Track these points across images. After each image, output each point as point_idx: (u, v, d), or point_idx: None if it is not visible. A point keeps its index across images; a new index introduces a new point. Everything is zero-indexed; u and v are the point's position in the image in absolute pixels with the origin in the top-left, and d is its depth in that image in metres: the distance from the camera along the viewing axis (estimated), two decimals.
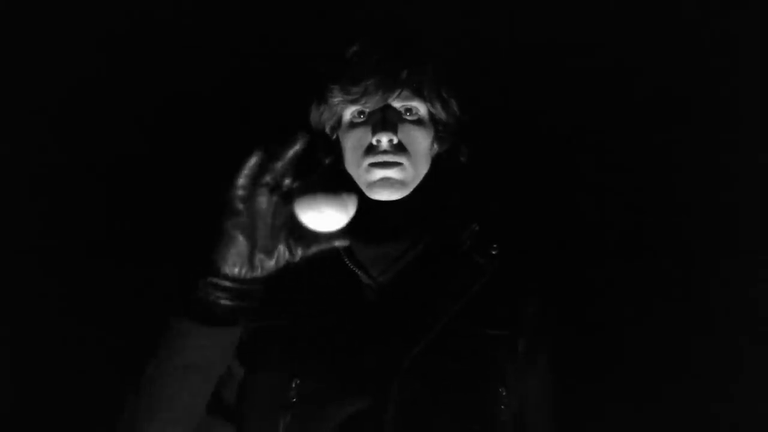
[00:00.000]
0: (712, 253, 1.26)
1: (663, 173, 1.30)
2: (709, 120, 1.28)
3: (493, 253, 0.89)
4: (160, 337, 0.71)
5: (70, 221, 1.24)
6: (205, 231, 0.72)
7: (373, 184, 0.85)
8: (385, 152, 0.84)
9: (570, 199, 1.30)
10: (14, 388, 1.20)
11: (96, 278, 1.22)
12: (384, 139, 0.84)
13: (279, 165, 0.67)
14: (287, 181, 0.69)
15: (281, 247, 0.69)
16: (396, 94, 0.85)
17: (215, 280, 0.68)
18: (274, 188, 0.68)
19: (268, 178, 0.67)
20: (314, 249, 0.70)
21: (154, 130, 1.28)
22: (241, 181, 0.66)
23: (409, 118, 0.87)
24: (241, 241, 0.68)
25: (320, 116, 0.91)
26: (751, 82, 1.28)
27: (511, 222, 1.05)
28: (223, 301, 0.68)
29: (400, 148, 0.85)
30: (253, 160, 0.66)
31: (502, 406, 0.81)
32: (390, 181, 0.85)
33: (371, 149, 0.85)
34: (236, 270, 0.68)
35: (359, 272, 0.86)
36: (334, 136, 0.92)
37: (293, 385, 0.77)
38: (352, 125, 0.87)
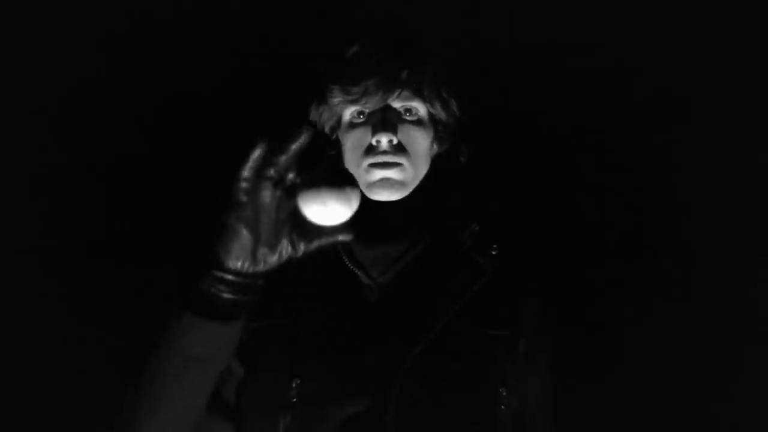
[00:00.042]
0: (712, 253, 1.26)
1: (663, 173, 1.30)
2: (709, 120, 1.28)
3: (493, 253, 0.89)
4: (160, 331, 0.71)
5: (70, 221, 1.24)
6: (206, 228, 0.72)
7: (373, 185, 0.85)
8: (384, 153, 0.84)
9: (570, 199, 1.30)
10: (14, 388, 1.20)
11: (96, 278, 1.22)
12: (384, 140, 0.84)
13: (283, 158, 0.67)
14: (291, 176, 0.69)
15: (284, 242, 0.69)
16: (396, 94, 0.85)
17: (218, 273, 0.68)
18: (278, 182, 0.68)
19: (272, 172, 0.67)
20: (317, 243, 0.70)
21: (154, 130, 1.28)
22: (245, 173, 0.66)
23: (408, 118, 0.87)
24: (244, 235, 0.67)
25: (320, 116, 0.91)
26: (751, 82, 1.28)
27: (511, 222, 1.05)
28: (225, 295, 0.68)
29: (399, 149, 0.85)
30: (257, 153, 0.66)
31: (503, 406, 0.81)
32: (390, 181, 0.85)
33: (371, 149, 0.85)
34: (239, 264, 0.68)
35: (359, 272, 0.86)
36: (334, 136, 0.92)
37: (293, 385, 0.77)
38: (352, 125, 0.87)
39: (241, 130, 0.71)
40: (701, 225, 1.27)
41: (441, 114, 0.89)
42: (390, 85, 0.84)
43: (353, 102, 0.85)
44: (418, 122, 0.87)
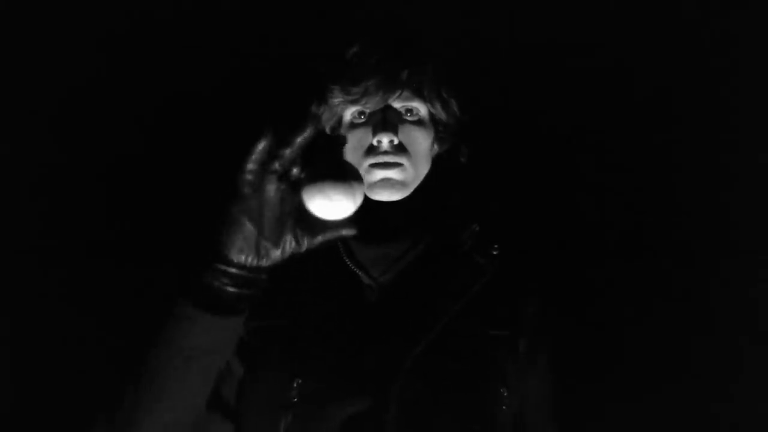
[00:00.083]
0: (712, 253, 1.26)
1: (663, 173, 1.30)
2: (709, 120, 1.28)
3: (494, 253, 0.89)
4: (161, 329, 0.71)
5: (70, 221, 1.24)
6: (207, 225, 0.72)
7: (374, 185, 0.85)
8: (385, 153, 0.84)
9: (570, 199, 1.30)
10: (14, 388, 1.20)
11: (96, 278, 1.22)
12: (384, 140, 0.84)
13: (288, 152, 0.67)
14: (295, 170, 0.69)
15: (288, 237, 0.69)
16: (396, 94, 0.84)
17: (221, 266, 0.68)
18: (282, 176, 0.68)
19: (276, 165, 0.67)
20: (321, 238, 0.70)
21: (154, 130, 1.28)
22: (250, 166, 0.66)
23: (409, 118, 0.86)
24: (248, 228, 0.67)
25: (320, 116, 0.91)
26: (751, 82, 1.28)
27: (511, 222, 1.05)
28: (228, 288, 0.68)
29: (400, 149, 0.85)
30: (261, 144, 0.66)
31: (503, 407, 0.81)
32: (390, 181, 0.85)
33: (372, 150, 0.85)
34: (242, 257, 0.68)
35: (360, 273, 0.86)
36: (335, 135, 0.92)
37: (294, 385, 0.77)
38: (353, 126, 0.87)
39: (241, 130, 0.71)
40: (701, 225, 1.27)
41: (441, 114, 0.89)
42: (390, 86, 0.84)
43: (354, 102, 0.85)
44: (419, 122, 0.87)
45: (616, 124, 1.30)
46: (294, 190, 0.68)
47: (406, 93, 0.85)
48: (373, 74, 0.83)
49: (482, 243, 0.90)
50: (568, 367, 0.93)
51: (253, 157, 0.66)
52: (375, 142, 0.84)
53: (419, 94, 0.86)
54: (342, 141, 0.87)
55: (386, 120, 0.84)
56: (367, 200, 0.85)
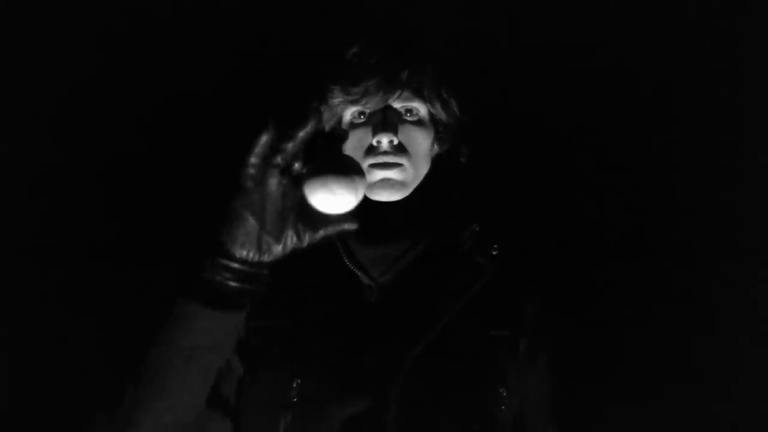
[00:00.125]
0: (712, 253, 1.26)
1: (663, 173, 1.30)
2: (709, 120, 1.28)
3: (494, 253, 0.89)
4: (161, 326, 0.71)
5: (70, 221, 1.24)
6: (208, 222, 0.72)
7: (374, 185, 0.85)
8: (385, 153, 0.84)
9: (570, 199, 1.30)
10: (14, 388, 1.20)
11: (96, 278, 1.22)
12: (384, 140, 0.83)
13: (290, 146, 0.67)
14: (297, 165, 0.69)
15: (289, 232, 0.69)
16: (396, 95, 0.84)
17: (223, 260, 0.68)
18: (284, 170, 0.68)
19: (278, 159, 0.67)
20: (323, 233, 0.70)
21: (154, 130, 1.28)
22: (253, 159, 0.67)
23: (409, 118, 0.86)
24: (250, 222, 0.68)
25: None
26: (751, 82, 1.28)
27: (511, 222, 1.05)
28: (230, 282, 0.68)
29: (400, 149, 0.84)
30: (264, 138, 0.66)
31: (503, 407, 0.81)
32: (390, 182, 0.84)
33: (371, 150, 0.84)
34: (244, 252, 0.68)
35: (359, 273, 0.86)
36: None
37: (294, 385, 0.77)
38: (353, 126, 0.87)
39: (241, 130, 0.71)
40: (701, 225, 1.27)
41: (441, 114, 0.89)
42: (390, 86, 0.84)
43: (354, 102, 0.85)
44: (419, 123, 0.87)
45: (616, 124, 1.30)
46: (295, 185, 0.69)
47: (406, 93, 0.85)
48: (373, 74, 0.83)
49: (482, 243, 0.90)
50: (568, 367, 0.93)
51: (256, 150, 0.66)
52: (375, 143, 0.84)
53: (419, 95, 0.86)
54: (343, 136, 0.87)
55: (386, 120, 0.84)
56: (366, 200, 0.85)
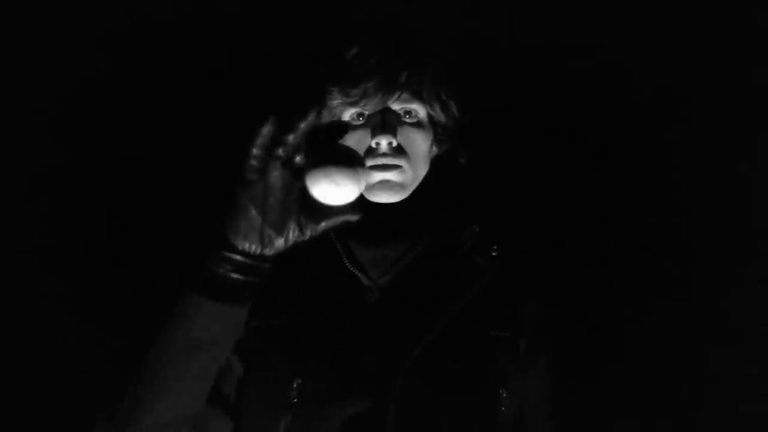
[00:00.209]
0: (712, 253, 1.26)
1: (663, 173, 1.30)
2: (709, 120, 1.28)
3: (494, 254, 0.89)
4: (163, 325, 0.71)
5: (70, 221, 1.25)
6: (207, 222, 0.72)
7: (373, 187, 0.85)
8: (384, 155, 0.84)
9: (570, 199, 1.30)
10: (14, 388, 1.20)
11: (96, 278, 1.22)
12: (383, 142, 0.83)
13: (291, 137, 0.67)
14: (298, 158, 0.69)
15: (291, 225, 0.69)
16: (395, 96, 0.84)
17: (226, 253, 0.68)
18: (286, 163, 0.68)
19: (280, 151, 0.67)
20: (324, 225, 0.70)
21: (154, 130, 1.28)
22: (255, 151, 0.67)
23: (408, 120, 0.86)
24: (253, 214, 0.68)
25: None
26: (751, 82, 1.28)
27: (511, 222, 1.05)
28: (232, 275, 0.69)
29: (399, 151, 0.84)
30: (266, 129, 0.66)
31: (503, 407, 0.81)
32: (389, 183, 0.84)
33: (370, 152, 0.84)
34: (247, 244, 0.68)
35: (359, 274, 0.86)
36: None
37: (294, 386, 0.77)
38: (351, 127, 0.87)
39: (241, 130, 0.71)
40: (701, 225, 1.27)
41: (440, 116, 0.89)
42: (389, 88, 0.83)
43: (352, 104, 0.85)
44: (418, 124, 0.87)
45: (616, 124, 1.30)
46: (297, 177, 0.69)
47: (405, 95, 0.85)
48: (372, 76, 0.83)
49: (482, 244, 0.90)
50: (568, 367, 0.93)
51: (258, 142, 0.67)
52: (374, 144, 0.84)
53: (418, 96, 0.86)
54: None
55: (385, 122, 0.83)
56: (366, 202, 0.85)
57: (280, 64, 1.26)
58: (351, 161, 0.69)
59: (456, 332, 0.82)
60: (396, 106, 0.85)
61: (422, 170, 0.89)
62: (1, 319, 1.21)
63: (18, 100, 1.25)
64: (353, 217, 0.71)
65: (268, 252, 0.69)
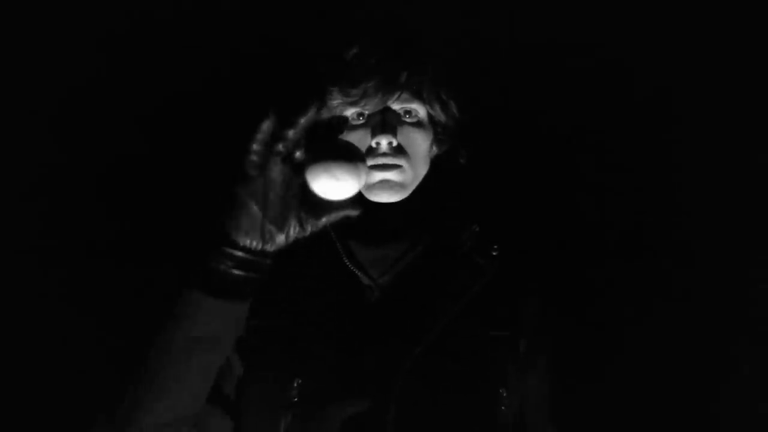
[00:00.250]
0: (712, 253, 1.26)
1: (663, 173, 1.30)
2: (709, 120, 1.28)
3: (494, 254, 0.89)
4: (163, 325, 0.71)
5: (70, 221, 1.25)
6: (208, 221, 0.72)
7: (373, 187, 0.85)
8: (384, 155, 0.83)
9: (570, 199, 1.30)
10: (14, 388, 1.20)
11: (96, 278, 1.22)
12: (383, 142, 0.83)
13: (291, 133, 0.67)
14: (298, 154, 0.69)
15: (292, 221, 0.70)
16: (395, 96, 0.84)
17: (227, 249, 0.69)
18: (286, 159, 0.68)
19: (280, 147, 0.67)
20: (325, 220, 0.71)
21: (154, 130, 1.28)
22: (255, 146, 0.67)
23: (408, 120, 0.86)
24: (253, 210, 0.68)
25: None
26: (752, 82, 1.28)
27: (511, 222, 1.05)
28: (233, 271, 0.69)
29: (399, 151, 0.84)
30: (266, 125, 0.67)
31: (503, 407, 0.81)
32: (389, 183, 0.84)
33: (370, 152, 0.84)
34: (248, 240, 0.69)
35: (359, 273, 0.86)
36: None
37: (295, 385, 0.77)
38: (351, 127, 0.87)
39: (241, 130, 0.71)
40: (701, 225, 1.27)
41: (440, 116, 0.89)
42: (389, 87, 0.83)
43: (352, 104, 0.85)
44: (418, 124, 0.87)
45: (616, 124, 1.30)
46: (297, 173, 0.69)
47: (405, 95, 0.85)
48: (372, 76, 0.83)
49: (482, 243, 0.90)
50: (568, 367, 0.93)
51: (258, 137, 0.67)
52: (374, 144, 0.84)
53: (418, 96, 0.86)
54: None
55: (385, 122, 0.83)
56: (366, 201, 0.85)
57: (280, 64, 1.26)
58: (351, 156, 0.69)
59: (456, 332, 0.82)
60: (396, 106, 0.85)
61: (422, 170, 0.89)
62: (1, 319, 1.21)
63: (18, 100, 1.25)
64: (353, 212, 0.71)
65: (269, 248, 0.70)
